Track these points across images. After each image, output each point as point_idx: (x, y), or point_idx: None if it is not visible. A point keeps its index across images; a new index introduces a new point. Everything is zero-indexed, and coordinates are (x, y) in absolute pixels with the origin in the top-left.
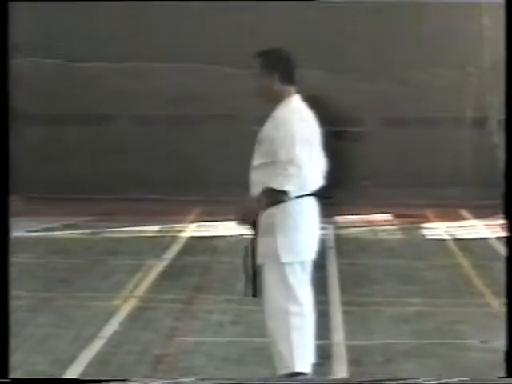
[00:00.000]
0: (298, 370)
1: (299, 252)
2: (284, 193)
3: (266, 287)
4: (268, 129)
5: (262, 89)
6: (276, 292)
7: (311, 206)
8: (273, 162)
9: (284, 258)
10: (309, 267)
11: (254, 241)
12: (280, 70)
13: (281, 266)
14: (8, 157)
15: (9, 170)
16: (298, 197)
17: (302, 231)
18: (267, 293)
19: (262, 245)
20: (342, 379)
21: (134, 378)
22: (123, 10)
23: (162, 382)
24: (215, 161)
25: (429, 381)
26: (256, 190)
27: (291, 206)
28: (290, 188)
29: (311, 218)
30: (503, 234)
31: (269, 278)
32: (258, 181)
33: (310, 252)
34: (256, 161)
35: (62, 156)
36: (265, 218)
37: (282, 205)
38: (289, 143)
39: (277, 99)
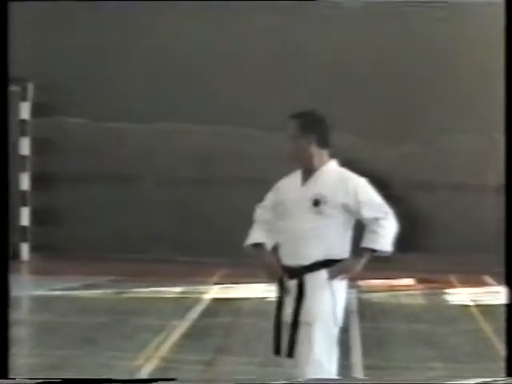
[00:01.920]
0: None
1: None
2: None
3: (311, 347)
4: (328, 189)
5: (298, 152)
6: (322, 353)
7: None
8: (337, 223)
9: (341, 321)
10: None
11: (282, 300)
12: (317, 132)
13: (333, 327)
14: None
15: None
16: None
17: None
18: (311, 353)
19: (317, 304)
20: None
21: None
22: (150, 70)
23: None
24: (240, 223)
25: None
26: (308, 251)
27: None
28: (392, 245)
29: None
30: None
31: (317, 338)
32: (313, 242)
33: None
34: (307, 222)
35: (87, 215)
36: (317, 277)
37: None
38: (370, 198)
39: (312, 162)
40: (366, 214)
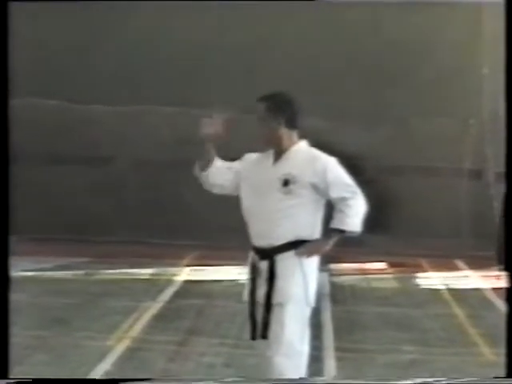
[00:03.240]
0: None
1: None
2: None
3: (283, 328)
4: (297, 168)
5: (267, 134)
6: (294, 333)
7: None
8: (307, 203)
9: (313, 301)
10: None
11: (254, 282)
12: (286, 114)
13: (305, 308)
14: (8, 197)
15: (9, 209)
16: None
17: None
18: (283, 333)
19: (289, 285)
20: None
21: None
22: (124, 52)
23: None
24: (213, 206)
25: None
26: (278, 231)
27: None
28: (361, 226)
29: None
30: (497, 284)
31: (289, 318)
32: (283, 222)
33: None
34: (277, 203)
35: (59, 197)
36: (288, 258)
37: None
38: (339, 177)
39: (282, 144)
40: (334, 193)
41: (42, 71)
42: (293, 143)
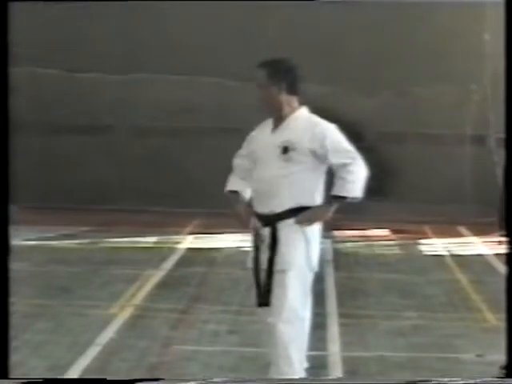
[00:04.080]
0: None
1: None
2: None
3: (285, 294)
4: (296, 135)
5: (268, 100)
6: (296, 299)
7: None
8: (308, 170)
9: (316, 266)
10: None
11: (257, 249)
12: (286, 80)
13: (307, 273)
14: (8, 165)
15: (9, 178)
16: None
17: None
18: (285, 299)
19: (291, 251)
20: (341, 378)
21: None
22: (123, 22)
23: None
24: (214, 173)
25: (428, 381)
26: (279, 198)
27: None
28: (362, 191)
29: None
30: (500, 250)
31: (291, 285)
32: (284, 189)
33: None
34: (278, 170)
35: (61, 166)
36: (290, 224)
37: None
38: (338, 143)
39: (282, 110)
40: (333, 159)
41: (41, 40)
42: (293, 109)
